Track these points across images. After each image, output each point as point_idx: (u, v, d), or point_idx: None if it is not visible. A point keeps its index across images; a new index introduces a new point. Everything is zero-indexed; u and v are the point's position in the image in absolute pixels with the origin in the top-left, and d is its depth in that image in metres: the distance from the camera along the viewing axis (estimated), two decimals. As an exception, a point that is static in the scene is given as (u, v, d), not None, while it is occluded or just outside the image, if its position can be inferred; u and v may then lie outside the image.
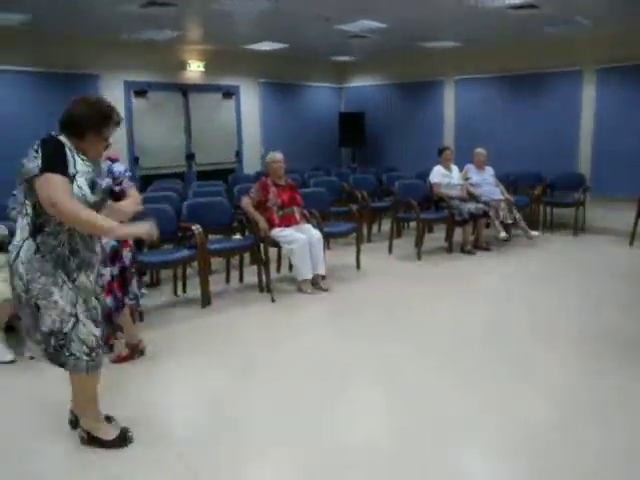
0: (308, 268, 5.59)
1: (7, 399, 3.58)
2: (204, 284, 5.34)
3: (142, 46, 8.73)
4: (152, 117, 9.30)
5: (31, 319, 2.70)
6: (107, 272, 3.88)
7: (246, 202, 5.79)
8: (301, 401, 3.45)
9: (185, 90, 9.68)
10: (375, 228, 8.58)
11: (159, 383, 3.76)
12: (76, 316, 2.70)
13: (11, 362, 4.03)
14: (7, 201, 4.38)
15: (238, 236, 6.44)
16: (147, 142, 9.21)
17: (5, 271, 3.09)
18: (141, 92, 9.11)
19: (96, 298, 2.88)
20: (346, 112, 11.91)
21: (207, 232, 5.54)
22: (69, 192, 2.53)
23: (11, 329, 4.28)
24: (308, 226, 5.82)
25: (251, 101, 10.61)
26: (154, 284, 6.07)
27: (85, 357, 2.74)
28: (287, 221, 5.73)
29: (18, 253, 2.62)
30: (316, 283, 5.71)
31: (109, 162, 3.97)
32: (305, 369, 3.92)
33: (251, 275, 6.01)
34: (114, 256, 3.98)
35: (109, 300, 3.84)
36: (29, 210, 2.61)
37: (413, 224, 7.72)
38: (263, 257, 5.67)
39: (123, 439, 2.96)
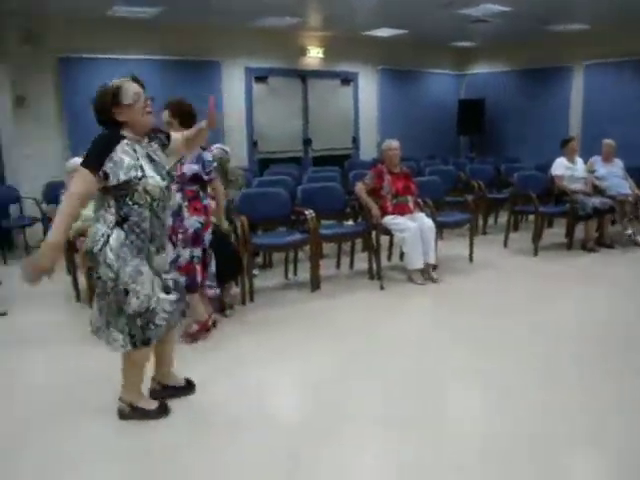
0: (419, 258, 5.51)
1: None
2: (314, 268, 5.42)
3: (263, 33, 8.91)
4: (271, 102, 9.51)
5: (113, 308, 2.85)
6: (187, 253, 4.05)
7: (360, 188, 5.79)
8: (403, 392, 3.41)
9: (304, 76, 9.81)
10: (491, 220, 8.33)
11: (262, 363, 3.84)
12: (156, 293, 2.91)
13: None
14: None
15: (350, 222, 6.46)
16: (266, 127, 9.44)
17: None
18: (262, 78, 9.33)
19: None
20: (466, 99, 11.60)
21: (320, 217, 5.61)
22: (82, 191, 2.72)
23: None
24: (421, 215, 5.73)
25: (369, 88, 10.58)
26: (266, 266, 6.24)
27: (164, 323, 2.96)
28: (400, 210, 5.67)
29: (106, 242, 2.77)
30: (427, 273, 5.63)
31: (200, 150, 4.08)
32: (410, 360, 3.87)
33: (362, 262, 6.02)
34: (196, 238, 4.10)
35: (184, 279, 3.86)
36: (111, 202, 2.80)
37: (531, 217, 7.40)
38: (374, 244, 5.65)
39: (164, 409, 3.14)
